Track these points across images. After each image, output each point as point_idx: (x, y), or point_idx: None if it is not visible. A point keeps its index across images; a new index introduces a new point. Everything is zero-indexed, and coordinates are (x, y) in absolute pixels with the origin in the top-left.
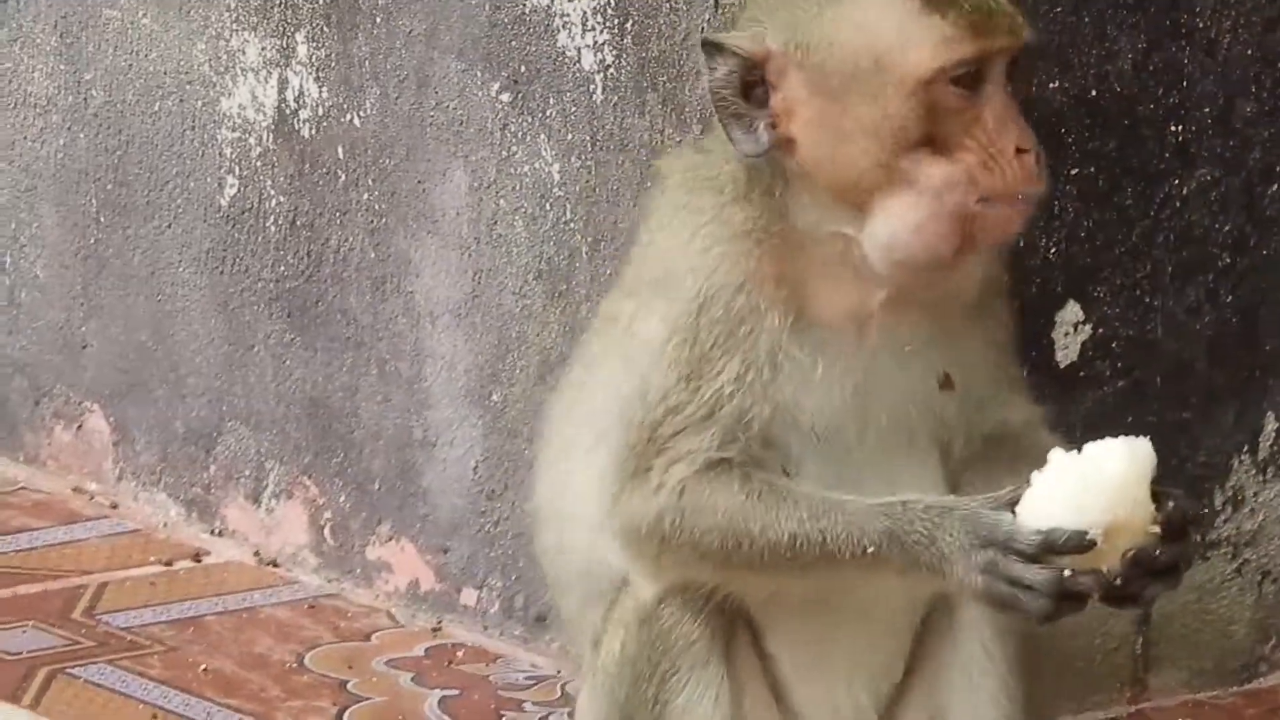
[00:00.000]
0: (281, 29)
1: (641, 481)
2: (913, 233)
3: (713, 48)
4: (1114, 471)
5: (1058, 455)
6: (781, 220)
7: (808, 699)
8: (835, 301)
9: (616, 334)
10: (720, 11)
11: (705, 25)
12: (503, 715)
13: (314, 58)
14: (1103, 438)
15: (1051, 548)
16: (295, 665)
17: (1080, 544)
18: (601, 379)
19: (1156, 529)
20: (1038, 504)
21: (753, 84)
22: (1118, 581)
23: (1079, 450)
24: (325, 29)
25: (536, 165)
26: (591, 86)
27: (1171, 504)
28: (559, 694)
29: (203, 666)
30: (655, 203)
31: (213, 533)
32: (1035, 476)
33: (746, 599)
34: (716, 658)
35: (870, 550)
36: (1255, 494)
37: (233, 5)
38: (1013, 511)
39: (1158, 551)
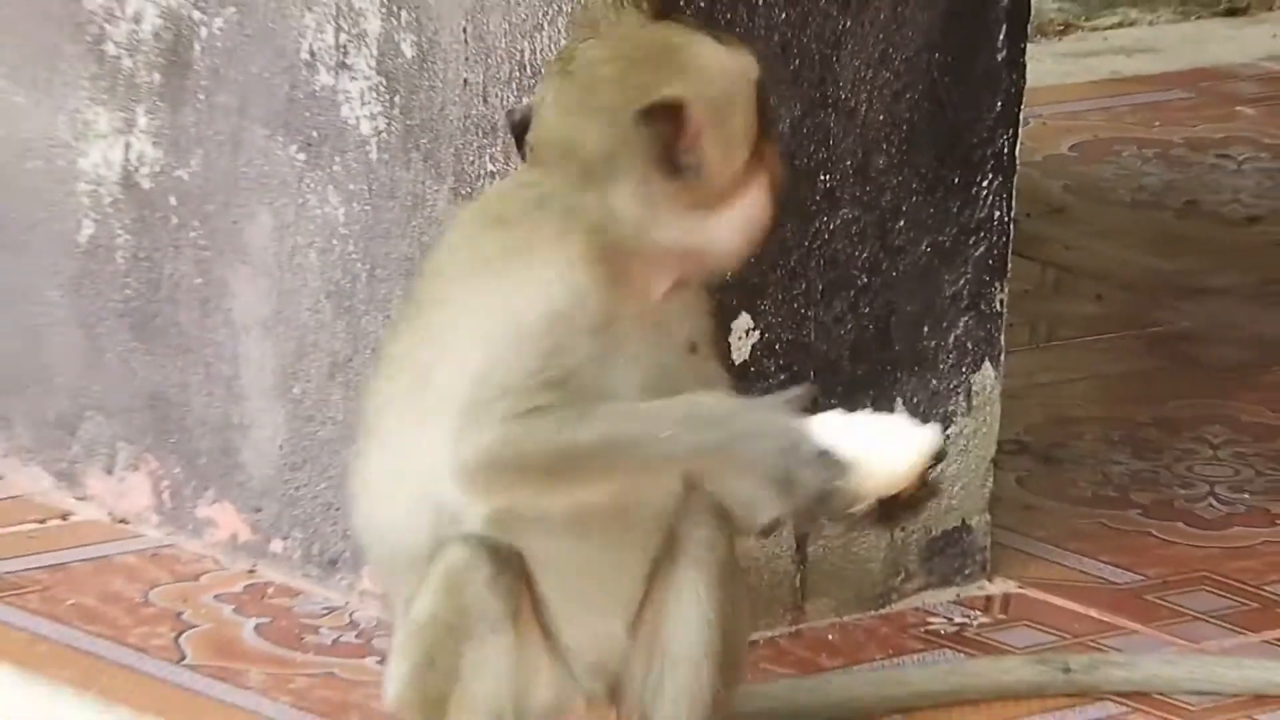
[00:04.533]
0: (126, 104)
1: (483, 422)
2: (762, 211)
3: (656, 110)
4: (910, 452)
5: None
6: (623, 241)
7: (576, 637)
8: (646, 298)
9: (446, 334)
10: (466, 87)
11: (456, 100)
12: (304, 638)
13: (151, 126)
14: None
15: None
16: (142, 600)
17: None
18: (442, 375)
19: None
20: (851, 430)
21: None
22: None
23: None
24: (159, 104)
25: (326, 209)
26: (368, 148)
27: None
28: (347, 620)
29: (70, 601)
30: (492, 232)
31: (77, 498)
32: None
33: (531, 557)
34: (505, 625)
35: (668, 434)
36: None
37: (87, 86)
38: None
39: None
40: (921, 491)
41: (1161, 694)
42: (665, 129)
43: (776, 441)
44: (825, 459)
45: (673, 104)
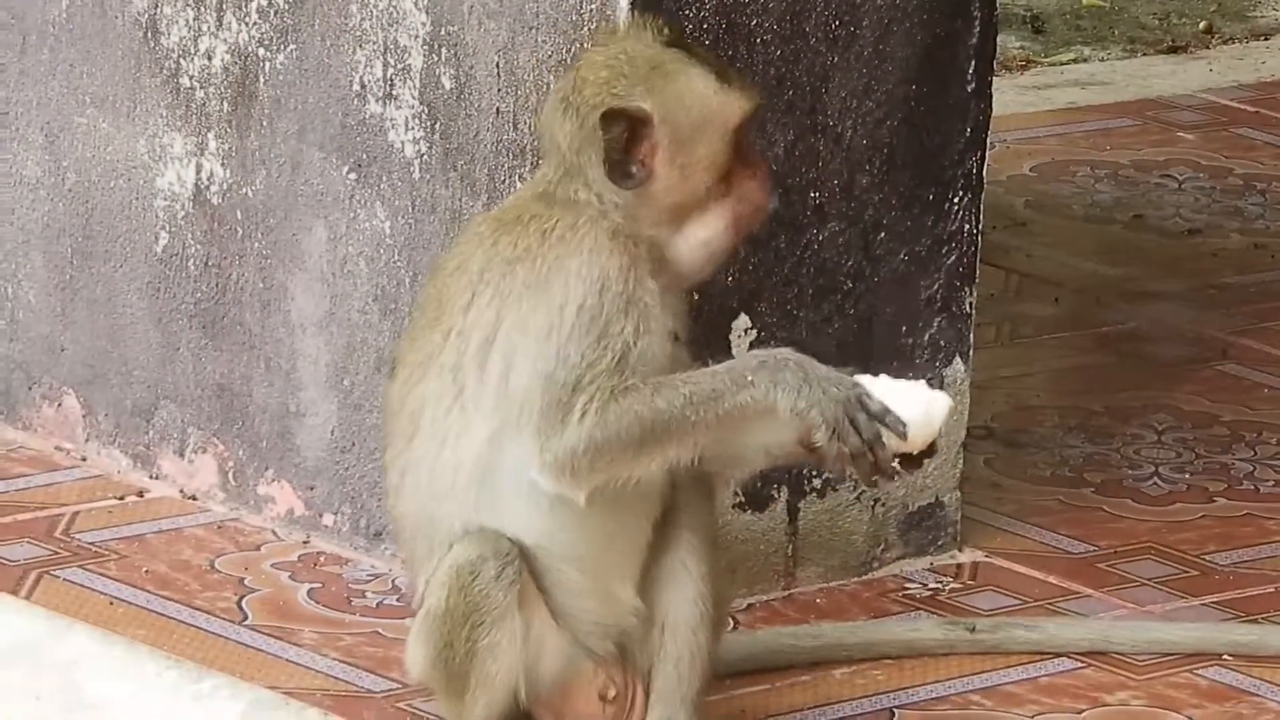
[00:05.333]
0: (198, 130)
1: (567, 420)
2: (720, 235)
3: (612, 115)
4: (936, 414)
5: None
6: (625, 224)
7: (593, 602)
8: (647, 275)
9: (491, 338)
10: (499, 115)
11: (490, 126)
12: (352, 601)
13: (220, 149)
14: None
15: (883, 418)
16: (208, 568)
17: (900, 431)
18: (490, 376)
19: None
20: (890, 391)
21: (630, 137)
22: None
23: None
24: (228, 129)
25: (374, 223)
26: (412, 168)
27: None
28: (390, 586)
29: (145, 569)
30: (508, 235)
31: (152, 477)
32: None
33: (550, 545)
34: (513, 612)
35: (749, 379)
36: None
37: (164, 113)
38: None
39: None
40: (930, 449)
41: (1059, 652)
42: (616, 135)
43: (844, 390)
44: (883, 414)
45: (633, 115)
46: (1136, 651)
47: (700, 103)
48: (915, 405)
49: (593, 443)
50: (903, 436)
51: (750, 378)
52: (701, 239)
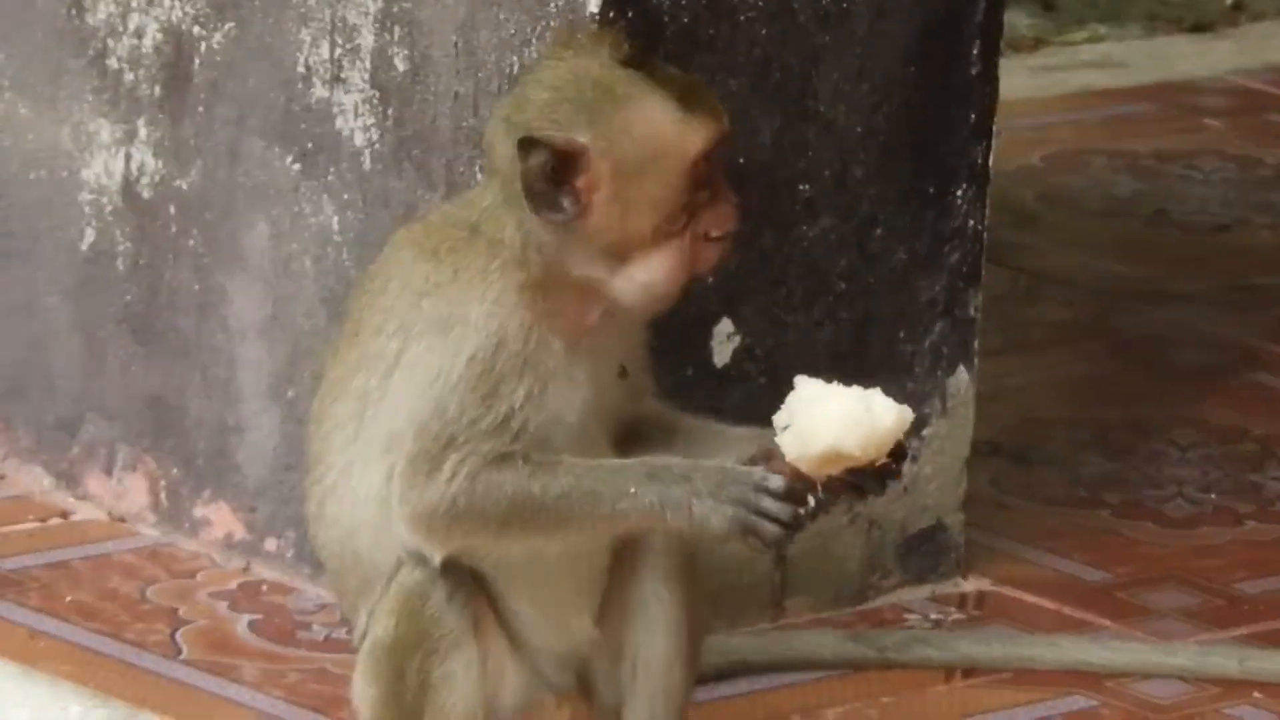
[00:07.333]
0: (127, 116)
1: (434, 476)
2: (666, 276)
3: (529, 144)
4: (880, 415)
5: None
6: (548, 270)
7: (545, 633)
8: (580, 325)
9: (392, 370)
10: (457, 100)
11: (447, 112)
12: (297, 634)
13: (151, 138)
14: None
15: (793, 495)
16: (139, 597)
17: (804, 495)
18: (385, 409)
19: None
20: (804, 409)
21: (559, 169)
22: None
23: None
24: (160, 115)
25: (320, 218)
26: (362, 158)
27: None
28: (338, 618)
29: (69, 598)
30: (424, 263)
31: (77, 497)
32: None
33: (497, 571)
34: (468, 638)
35: (633, 490)
36: None
37: (90, 98)
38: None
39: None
40: (891, 467)
41: (985, 669)
42: (534, 166)
43: (739, 488)
44: (790, 490)
45: (559, 146)
46: (1063, 669)
47: (652, 134)
48: (853, 410)
49: (455, 507)
50: (814, 502)
51: (634, 489)
52: (643, 281)
